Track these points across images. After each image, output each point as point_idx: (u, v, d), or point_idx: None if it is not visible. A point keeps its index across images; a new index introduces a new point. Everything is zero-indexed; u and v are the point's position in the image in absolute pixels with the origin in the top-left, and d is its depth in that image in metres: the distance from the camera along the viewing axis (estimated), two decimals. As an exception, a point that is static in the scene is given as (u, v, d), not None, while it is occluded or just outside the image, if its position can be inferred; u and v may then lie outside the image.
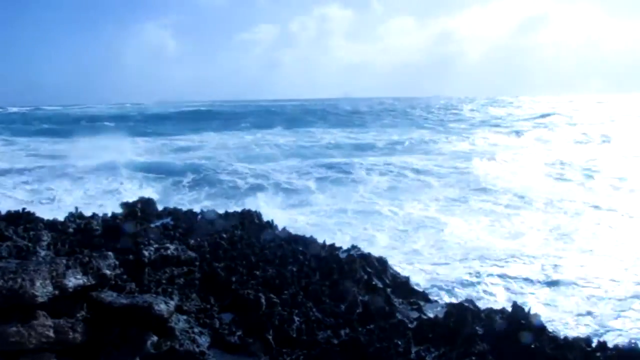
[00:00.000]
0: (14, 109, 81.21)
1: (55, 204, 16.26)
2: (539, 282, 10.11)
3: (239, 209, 7.95)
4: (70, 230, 6.20)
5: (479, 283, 10.03)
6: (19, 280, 3.54)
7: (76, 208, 6.95)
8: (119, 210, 7.14)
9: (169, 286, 4.77)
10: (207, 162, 25.78)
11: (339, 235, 12.10)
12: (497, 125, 47.28)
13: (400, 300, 5.43)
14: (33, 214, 6.58)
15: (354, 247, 6.40)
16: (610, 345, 4.28)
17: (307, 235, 6.87)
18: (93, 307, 3.90)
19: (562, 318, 8.55)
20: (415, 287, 6.13)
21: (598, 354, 4.14)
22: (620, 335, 7.66)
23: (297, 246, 6.28)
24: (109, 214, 6.97)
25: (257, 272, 5.34)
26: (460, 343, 4.26)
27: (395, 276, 6.13)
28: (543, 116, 54.21)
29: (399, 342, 4.10)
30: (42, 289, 3.59)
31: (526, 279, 10.21)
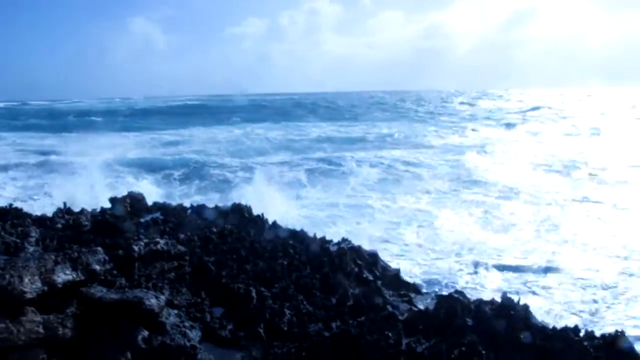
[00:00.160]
0: (0, 104, 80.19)
1: (44, 200, 16.12)
2: (532, 273, 10.23)
3: (229, 203, 7.93)
4: (59, 225, 6.16)
5: (471, 274, 10.11)
6: (7, 276, 3.51)
7: (64, 203, 6.89)
8: (108, 206, 7.10)
9: (160, 281, 4.76)
10: (197, 157, 25.69)
11: (330, 228, 12.12)
12: (487, 119, 47.48)
13: (391, 292, 5.46)
14: (21, 209, 6.53)
15: (344, 240, 6.42)
16: (597, 334, 4.33)
17: (298, 229, 6.86)
18: (83, 302, 3.89)
19: (552, 309, 8.66)
20: (406, 279, 6.16)
21: (586, 343, 4.19)
22: (610, 324, 7.76)
23: (288, 240, 6.28)
24: (98, 210, 6.92)
25: (248, 266, 5.34)
26: (451, 334, 4.30)
27: (386, 269, 6.16)
28: (533, 109, 54.45)
29: (390, 334, 4.12)
30: (30, 285, 3.57)
31: (518, 270, 10.31)
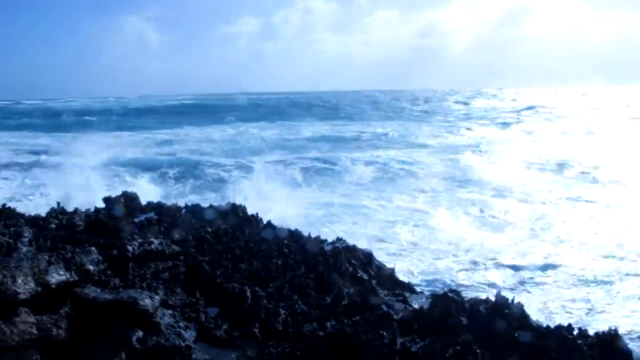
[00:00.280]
0: (-7, 103, 79.61)
1: (38, 200, 16.03)
2: (527, 271, 10.28)
3: (223, 202, 7.92)
4: (53, 226, 6.12)
5: (468, 273, 10.15)
6: (0, 277, 3.49)
7: (58, 203, 6.86)
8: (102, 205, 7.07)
9: (154, 281, 4.74)
10: (192, 156, 25.64)
11: (325, 228, 12.12)
12: (482, 118, 47.58)
13: (386, 291, 5.46)
14: (14, 209, 6.49)
15: (339, 239, 6.42)
16: (590, 332, 4.36)
17: (293, 228, 6.86)
18: (77, 303, 3.87)
19: (547, 308, 8.70)
20: (401, 279, 6.17)
21: (579, 341, 4.21)
22: (604, 322, 7.80)
23: (283, 239, 6.27)
24: (92, 209, 6.89)
25: (243, 266, 5.33)
26: (445, 333, 4.31)
27: (381, 268, 6.17)
28: (527, 109, 54.59)
29: (385, 334, 4.12)
30: (23, 286, 3.55)
31: (513, 269, 10.36)
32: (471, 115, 50.59)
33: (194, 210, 7.44)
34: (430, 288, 8.67)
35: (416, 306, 5.03)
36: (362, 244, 6.91)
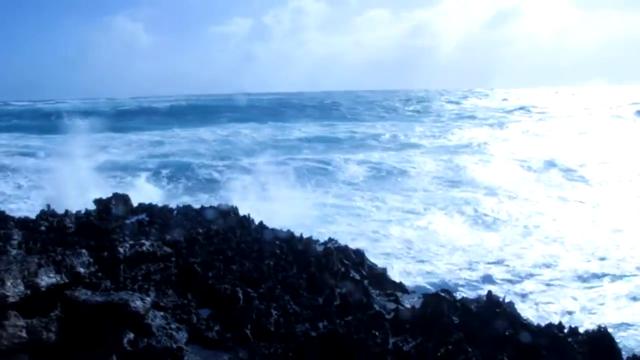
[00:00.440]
0: (-19, 106, 78.79)
1: (28, 202, 15.91)
2: (519, 270, 10.35)
3: (215, 204, 7.90)
4: (43, 228, 6.08)
5: (461, 272, 10.20)
6: (-11, 280, 3.46)
7: (48, 205, 6.81)
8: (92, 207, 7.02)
9: (145, 283, 4.72)
10: (184, 157, 25.55)
11: (319, 228, 12.12)
12: (473, 118, 47.74)
13: (378, 291, 5.47)
14: (3, 212, 6.44)
15: (331, 239, 6.42)
16: (581, 330, 4.39)
17: (285, 229, 6.85)
18: (67, 306, 3.84)
19: (538, 305, 8.76)
20: (393, 279, 6.18)
21: (570, 339, 4.24)
22: (595, 319, 7.87)
23: (274, 240, 6.26)
24: (83, 211, 6.85)
25: (234, 267, 5.32)
26: (437, 332, 4.32)
27: (373, 268, 6.18)
28: (519, 109, 54.88)
29: (377, 333, 4.13)
30: (13, 289, 3.53)
31: (506, 269, 10.42)
32: (463, 115, 50.75)
33: (186, 211, 7.41)
34: (426, 287, 8.71)
35: (408, 306, 5.04)
36: (357, 245, 6.92)
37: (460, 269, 10.44)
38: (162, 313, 4.29)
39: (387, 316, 4.62)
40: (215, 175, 21.36)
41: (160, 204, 7.75)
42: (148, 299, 4.10)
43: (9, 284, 3.51)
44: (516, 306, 4.80)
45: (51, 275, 3.83)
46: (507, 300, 4.78)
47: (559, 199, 16.46)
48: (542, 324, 4.54)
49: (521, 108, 55.55)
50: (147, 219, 6.77)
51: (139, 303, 3.93)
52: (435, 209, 15.23)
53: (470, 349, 3.98)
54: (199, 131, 39.15)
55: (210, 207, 7.64)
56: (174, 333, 4.08)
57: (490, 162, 23.69)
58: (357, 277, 5.63)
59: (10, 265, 3.69)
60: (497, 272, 10.29)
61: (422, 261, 10.83)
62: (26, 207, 13.46)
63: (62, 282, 3.89)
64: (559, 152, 25.60)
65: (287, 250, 5.93)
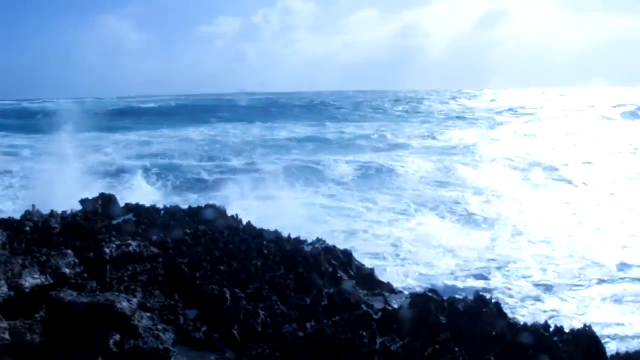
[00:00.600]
0: (-35, 105, 77.58)
1: (15, 202, 15.71)
2: (508, 270, 10.44)
3: (203, 204, 7.87)
4: (27, 229, 6.01)
5: (453, 273, 10.26)
6: (-28, 281, 3.42)
7: (33, 206, 6.73)
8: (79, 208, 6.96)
9: (132, 284, 4.70)
10: (171, 157, 25.42)
11: (306, 229, 12.11)
12: (463, 119, 48.03)
13: (365, 291, 5.48)
14: (-13, 213, 6.36)
15: (319, 240, 6.42)
16: (566, 329, 4.43)
17: (273, 230, 6.84)
18: (52, 307, 3.79)
19: (525, 306, 8.83)
20: (380, 279, 6.20)
21: (555, 338, 4.28)
22: (580, 319, 7.95)
23: (262, 240, 6.25)
24: (69, 212, 6.79)
25: (222, 267, 5.30)
26: (425, 332, 4.34)
27: (361, 268, 6.19)
28: (508, 110, 55.29)
29: (364, 334, 4.14)
30: (-4, 290, 3.48)
31: (496, 268, 10.51)
32: (452, 116, 51.03)
33: (173, 211, 7.37)
34: (414, 287, 8.74)
35: (396, 306, 5.06)
36: (345, 245, 6.93)
37: (448, 270, 10.49)
38: (149, 314, 4.25)
39: (374, 316, 4.63)
40: (204, 175, 21.28)
41: (147, 204, 7.69)
42: (135, 300, 4.07)
43: (-8, 285, 3.46)
44: (503, 306, 4.84)
45: (36, 276, 3.79)
46: (494, 300, 4.81)
47: (545, 200, 16.63)
48: (529, 324, 4.58)
49: (510, 109, 55.97)
50: (134, 219, 6.72)
51: (125, 304, 3.89)
52: (425, 209, 15.30)
53: (457, 349, 4.00)
54: (188, 131, 38.99)
55: (198, 207, 7.61)
56: (161, 334, 4.05)
57: (478, 163, 23.84)
58: (345, 277, 5.64)
59: (-7, 266, 3.65)
60: (485, 273, 10.36)
61: (410, 261, 10.87)
62: (8, 208, 13.31)
63: (47, 283, 3.84)
64: (546, 153, 25.86)
65: (275, 250, 5.93)
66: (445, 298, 4.95)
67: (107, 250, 4.89)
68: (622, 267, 10.46)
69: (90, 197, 7.24)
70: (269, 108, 60.53)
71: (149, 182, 19.79)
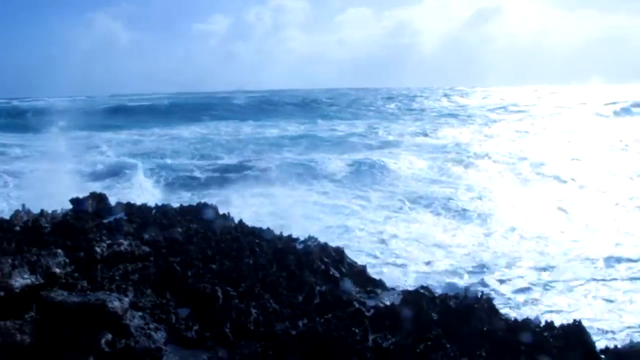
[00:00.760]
0: (-45, 104, 76.74)
1: (3, 202, 15.60)
2: (502, 267, 10.51)
3: (195, 202, 7.85)
4: (17, 228, 5.96)
5: (447, 271, 10.30)
6: (-39, 281, 3.39)
7: (23, 205, 6.67)
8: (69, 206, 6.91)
9: (123, 283, 4.67)
10: (163, 155, 25.33)
11: (298, 226, 12.12)
12: (456, 116, 48.13)
13: (357, 289, 5.49)
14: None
15: (311, 237, 6.42)
16: (557, 324, 4.46)
17: (266, 227, 6.83)
18: (42, 307, 3.77)
19: (516, 302, 8.88)
20: (372, 276, 6.20)
21: (546, 333, 4.31)
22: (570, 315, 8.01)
23: (254, 238, 6.24)
24: (59, 211, 6.74)
25: (214, 266, 5.29)
26: (416, 329, 4.35)
27: (353, 265, 6.19)
28: (500, 107, 55.48)
29: (357, 331, 4.15)
30: (-15, 291, 3.46)
31: (491, 265, 10.56)
32: (444, 113, 51.16)
33: (165, 210, 7.34)
34: (406, 284, 8.76)
35: (388, 303, 5.07)
36: (338, 242, 6.92)
37: (441, 266, 10.54)
38: (140, 313, 4.24)
39: (366, 313, 4.64)
40: (196, 173, 21.23)
41: (138, 203, 7.66)
42: (126, 299, 4.05)
43: (-19, 285, 3.44)
44: (495, 302, 4.87)
45: (26, 276, 3.77)
46: (485, 296, 4.84)
47: (537, 196, 16.73)
48: (519, 319, 4.61)
49: (502, 107, 56.17)
50: (125, 218, 6.69)
51: (116, 303, 3.88)
52: (418, 206, 15.35)
53: (449, 345, 4.02)
54: (180, 129, 38.85)
55: (190, 205, 7.58)
56: (153, 333, 4.04)
57: (471, 160, 23.92)
58: (337, 274, 5.65)
59: (-18, 266, 3.62)
60: (477, 269, 10.42)
61: (403, 258, 10.90)
62: (10, 208, 13.22)
63: (37, 282, 3.83)
64: (538, 150, 25.99)
65: (267, 248, 5.92)
66: (437, 294, 4.97)
67: (98, 249, 4.88)
68: (613, 262, 10.54)
69: (77, 196, 7.19)
70: (262, 105, 60.38)
71: (140, 181, 19.69)
